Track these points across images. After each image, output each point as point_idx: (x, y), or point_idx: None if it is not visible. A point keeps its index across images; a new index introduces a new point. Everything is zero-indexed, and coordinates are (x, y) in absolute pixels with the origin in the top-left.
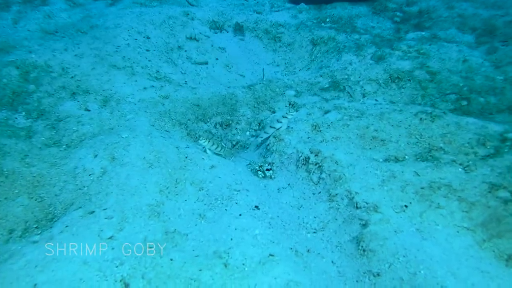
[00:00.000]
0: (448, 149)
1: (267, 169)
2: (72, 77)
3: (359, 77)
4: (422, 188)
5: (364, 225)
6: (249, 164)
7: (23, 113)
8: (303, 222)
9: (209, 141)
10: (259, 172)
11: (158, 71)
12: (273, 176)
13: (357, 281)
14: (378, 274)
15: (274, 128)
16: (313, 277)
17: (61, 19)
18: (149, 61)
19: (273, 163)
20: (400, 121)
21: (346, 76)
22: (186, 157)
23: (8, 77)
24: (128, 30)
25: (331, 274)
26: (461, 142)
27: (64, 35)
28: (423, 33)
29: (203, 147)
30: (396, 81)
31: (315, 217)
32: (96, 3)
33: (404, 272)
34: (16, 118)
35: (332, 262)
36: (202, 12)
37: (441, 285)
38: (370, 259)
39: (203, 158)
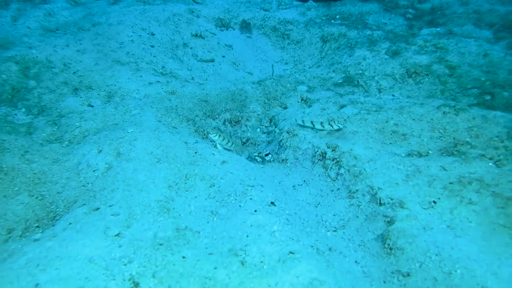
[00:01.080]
0: (475, 143)
1: (266, 154)
2: (74, 72)
3: (374, 72)
4: (451, 183)
5: (390, 222)
6: (248, 157)
7: (23, 109)
8: (322, 220)
9: (219, 136)
10: (257, 158)
11: (163, 67)
12: (271, 160)
13: (384, 282)
14: (408, 274)
15: (313, 125)
16: (337, 277)
17: (62, 17)
18: (154, 57)
19: (287, 159)
20: (422, 115)
21: (360, 71)
22: (195, 153)
23: (7, 72)
24: (132, 27)
25: (355, 274)
26: (490, 136)
27: (66, 32)
28: (438, 29)
29: (213, 142)
30: (413, 76)
31: (334, 215)
32: (98, 2)
33: (438, 272)
34: (16, 114)
35: (356, 261)
36: (208, 9)
37: (482, 285)
38: (398, 258)
39: (213, 154)
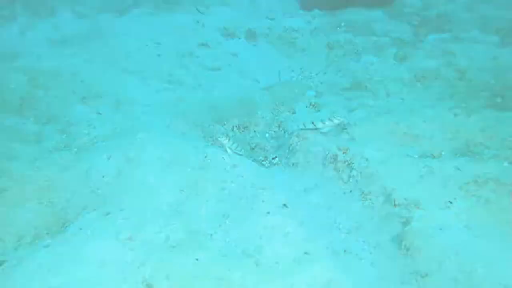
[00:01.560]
0: (489, 143)
1: (273, 158)
2: (81, 81)
3: (382, 77)
4: (466, 183)
5: (405, 223)
6: (254, 160)
7: (32, 118)
8: (336, 222)
9: (229, 140)
10: (264, 162)
11: (171, 75)
12: (279, 163)
13: (402, 283)
14: (426, 275)
15: (314, 125)
16: (354, 277)
17: (69, 29)
18: (161, 65)
19: (298, 163)
20: (433, 117)
21: (368, 76)
22: (205, 157)
23: (15, 82)
24: (138, 37)
25: (372, 275)
26: (503, 136)
27: (73, 43)
28: (444, 35)
29: (223, 146)
30: (422, 80)
31: (348, 217)
32: (104, 15)
33: (458, 272)
34: (25, 123)
35: (372, 263)
36: (213, 19)
37: (505, 284)
38: (415, 259)
39: (223, 158)
